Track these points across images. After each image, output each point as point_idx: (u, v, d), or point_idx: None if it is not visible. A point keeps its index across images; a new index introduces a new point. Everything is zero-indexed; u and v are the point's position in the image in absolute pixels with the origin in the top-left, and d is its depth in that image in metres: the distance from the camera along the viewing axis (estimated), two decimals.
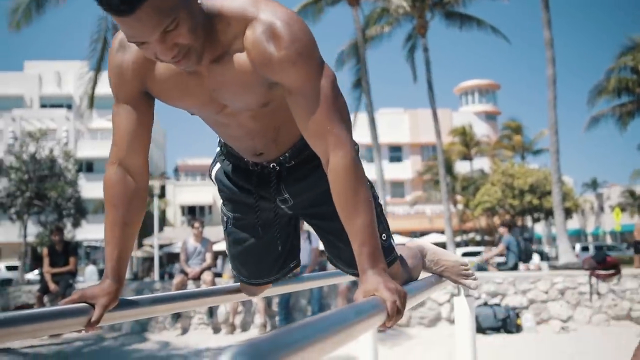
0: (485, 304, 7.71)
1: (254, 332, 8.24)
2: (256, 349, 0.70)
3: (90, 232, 35.84)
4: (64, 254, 8.77)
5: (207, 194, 43.71)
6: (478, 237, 39.46)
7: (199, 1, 1.30)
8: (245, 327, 8.45)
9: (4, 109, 40.83)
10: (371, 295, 1.28)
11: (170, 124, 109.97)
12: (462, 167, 39.08)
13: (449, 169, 35.22)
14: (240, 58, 1.37)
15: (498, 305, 7.69)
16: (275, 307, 8.37)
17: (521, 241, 9.82)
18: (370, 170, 19.51)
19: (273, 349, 0.74)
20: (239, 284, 1.97)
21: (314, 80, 1.36)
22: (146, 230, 36.46)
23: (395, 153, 43.44)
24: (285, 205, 1.75)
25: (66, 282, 8.57)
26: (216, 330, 8.43)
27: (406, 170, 42.81)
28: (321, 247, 11.87)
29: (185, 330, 8.54)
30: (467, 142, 38.88)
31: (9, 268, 30.79)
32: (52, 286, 8.47)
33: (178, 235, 34.81)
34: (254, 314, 8.49)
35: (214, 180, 1.84)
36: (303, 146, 1.58)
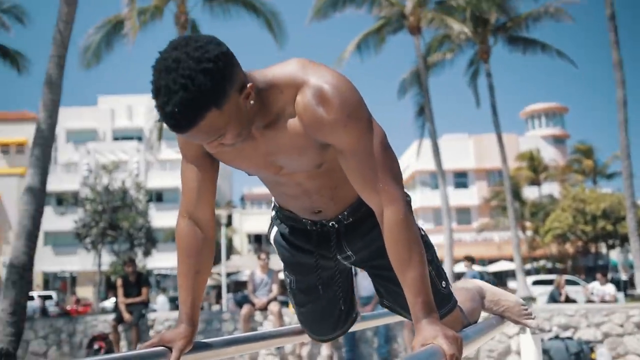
0: (557, 337, 7.50)
1: None
2: None
3: (161, 261, 36.76)
4: (137, 284, 9.06)
5: None
6: (549, 265, 38.27)
7: (253, 93, 1.36)
8: (312, 358, 8.49)
9: (80, 142, 42.73)
10: (429, 343, 1.33)
11: None
12: (530, 193, 38.17)
13: (517, 194, 34.45)
14: (293, 123, 1.44)
15: (570, 339, 7.46)
16: (341, 339, 8.37)
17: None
18: (434, 197, 19.36)
19: None
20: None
21: (364, 140, 1.43)
22: (215, 259, 37.09)
23: (461, 179, 42.86)
24: (347, 261, 1.82)
25: (139, 312, 8.84)
26: None
27: (472, 196, 42.14)
28: None
29: None
30: (535, 167, 38.01)
31: (44, 297, 30.94)
32: (126, 316, 8.76)
33: (245, 263, 35.32)
34: (320, 346, 8.51)
35: (273, 244, 1.91)
36: (361, 203, 1.61)
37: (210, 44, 1.27)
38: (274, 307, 8.28)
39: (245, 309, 8.43)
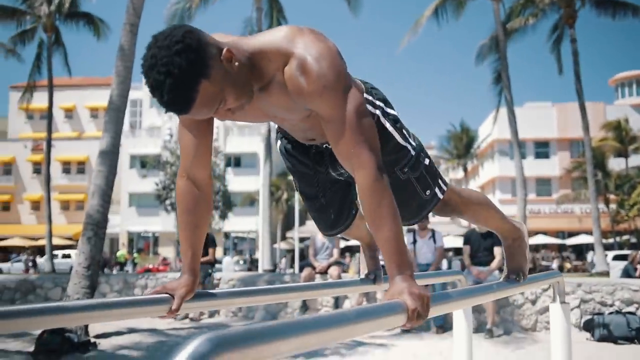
0: (618, 311, 7.31)
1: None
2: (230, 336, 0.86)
3: (237, 224, 37.75)
4: (204, 244, 9.43)
5: None
6: (633, 240, 36.72)
7: (235, 56, 1.49)
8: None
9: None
10: (395, 298, 1.41)
11: None
12: (616, 164, 36.52)
13: (601, 166, 33.11)
14: (282, 88, 1.60)
15: (633, 314, 7.26)
16: None
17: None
18: (513, 167, 18.61)
19: (251, 337, 0.90)
20: (358, 278, 2.37)
21: (339, 109, 1.55)
22: (289, 224, 37.80)
23: (542, 149, 41.47)
24: (342, 177, 2.05)
25: (206, 271, 9.23)
26: None
27: (554, 167, 40.75)
28: (445, 245, 11.72)
29: None
30: (622, 138, 36.25)
31: (64, 256, 32.21)
32: None
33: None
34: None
35: (279, 151, 2.15)
36: None
37: (174, 30, 1.41)
38: (333, 271, 8.45)
39: (306, 272, 8.65)
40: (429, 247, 8.35)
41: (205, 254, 9.37)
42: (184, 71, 1.36)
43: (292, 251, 35.16)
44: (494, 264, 7.83)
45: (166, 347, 7.46)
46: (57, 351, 6.58)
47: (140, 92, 46.57)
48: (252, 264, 31.73)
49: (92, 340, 7.18)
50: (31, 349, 6.68)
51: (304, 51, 1.54)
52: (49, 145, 23.43)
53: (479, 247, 8.05)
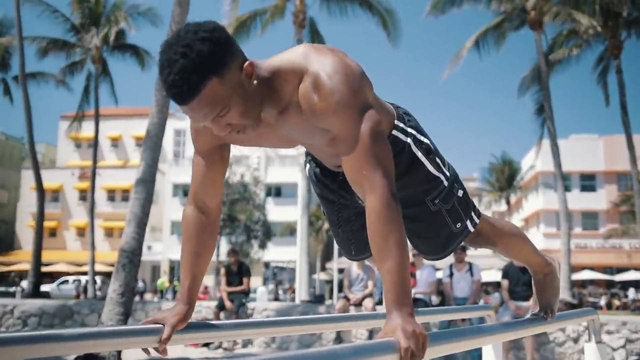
0: None
1: None
2: None
3: (276, 254, 37.80)
4: (239, 274, 9.44)
5: None
6: None
7: (255, 72, 1.44)
8: None
9: None
10: (389, 336, 1.31)
11: None
12: None
13: None
14: (298, 109, 1.52)
15: None
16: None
17: None
18: (555, 200, 18.13)
19: None
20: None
21: (353, 128, 1.45)
22: (328, 254, 37.67)
23: (588, 182, 40.50)
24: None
25: (240, 301, 9.21)
26: None
27: (600, 200, 39.71)
28: (485, 279, 11.59)
29: None
30: None
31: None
32: (227, 304, 9.15)
33: None
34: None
35: (307, 174, 2.08)
36: None
37: (208, 22, 1.38)
38: (368, 303, 8.33)
39: (340, 303, 8.54)
40: (466, 281, 8.16)
41: (240, 283, 9.36)
42: (201, 58, 1.31)
43: (331, 282, 34.95)
44: (532, 299, 7.59)
45: None
46: None
47: (184, 122, 47.50)
48: (293, 294, 31.62)
49: None
50: None
51: (319, 67, 1.47)
52: (94, 174, 23.99)
53: (518, 281, 7.82)
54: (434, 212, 1.89)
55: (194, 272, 1.72)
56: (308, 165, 2.03)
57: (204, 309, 9.81)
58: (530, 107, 23.83)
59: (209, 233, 1.75)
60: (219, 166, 1.73)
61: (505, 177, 40.30)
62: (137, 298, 29.38)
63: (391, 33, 19.78)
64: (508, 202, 41.16)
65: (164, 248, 42.51)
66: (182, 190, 42.24)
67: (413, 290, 8.53)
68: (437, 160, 1.87)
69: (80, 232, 44.92)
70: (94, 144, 24.13)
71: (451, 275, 8.18)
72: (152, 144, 8.18)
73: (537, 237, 39.07)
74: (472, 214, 1.98)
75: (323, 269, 39.01)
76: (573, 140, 39.70)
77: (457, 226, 1.93)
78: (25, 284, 23.35)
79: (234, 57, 1.39)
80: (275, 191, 41.79)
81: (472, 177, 56.69)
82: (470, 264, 8.19)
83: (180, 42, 1.32)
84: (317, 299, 25.02)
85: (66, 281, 32.80)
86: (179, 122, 48.18)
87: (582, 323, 3.80)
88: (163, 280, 35.66)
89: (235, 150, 41.66)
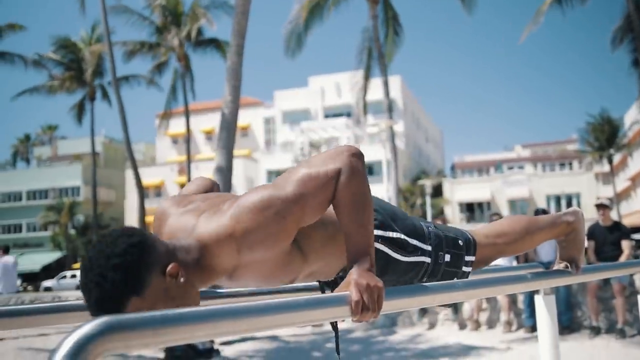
0: None
1: (499, 330, 8.13)
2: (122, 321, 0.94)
3: None
4: None
5: (484, 190, 43.19)
6: None
7: (182, 270, 1.39)
8: (491, 324, 8.38)
9: (294, 122, 45.55)
10: (343, 290, 1.37)
11: (446, 123, 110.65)
12: None
13: None
14: (251, 264, 1.49)
15: None
16: (520, 305, 8.15)
17: None
18: None
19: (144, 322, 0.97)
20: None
21: (301, 211, 1.47)
22: None
23: None
24: None
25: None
26: (462, 326, 8.51)
27: None
28: None
29: (432, 326, 8.77)
30: None
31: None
32: None
33: None
34: (499, 312, 8.37)
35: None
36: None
37: (121, 237, 1.35)
38: None
39: None
40: (550, 244, 7.94)
41: None
42: (115, 286, 1.29)
43: None
44: (623, 258, 7.32)
45: (285, 352, 7.70)
46: (183, 357, 7.02)
47: (273, 109, 48.38)
48: None
49: (216, 347, 7.58)
50: (162, 355, 7.19)
51: (238, 219, 1.43)
52: (189, 168, 25.06)
53: (605, 241, 7.57)
54: None
55: None
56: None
57: None
58: (626, 60, 22.50)
59: None
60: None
61: (606, 136, 38.29)
62: None
63: (466, 0, 19.28)
64: (610, 162, 39.15)
65: None
66: (275, 176, 43.18)
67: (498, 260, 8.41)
68: (414, 242, 1.81)
69: None
70: (187, 139, 25.14)
71: None
72: (226, 134, 8.49)
73: None
74: (466, 258, 1.91)
75: None
76: None
77: (446, 259, 1.88)
78: None
79: (153, 269, 1.35)
80: (368, 170, 41.81)
81: (570, 139, 54.33)
82: None
83: (94, 269, 1.31)
84: None
85: (64, 276, 34.59)
86: (268, 111, 49.17)
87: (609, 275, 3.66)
88: None
89: (324, 132, 42.05)
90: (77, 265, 41.12)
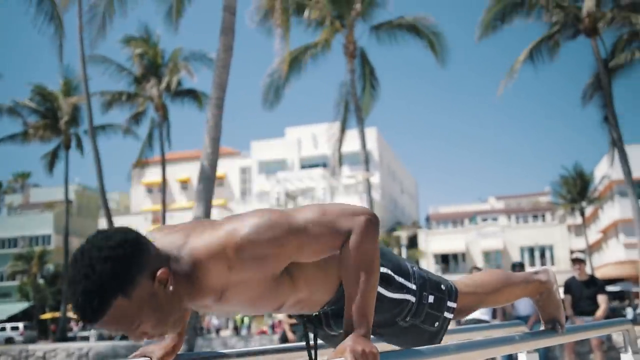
0: None
1: None
2: None
3: None
4: None
5: (459, 241, 43.38)
6: None
7: (171, 277, 1.37)
8: None
9: (270, 173, 45.66)
10: (338, 356, 1.37)
11: (421, 174, 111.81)
12: None
13: None
14: (240, 284, 1.45)
15: None
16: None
17: None
18: (626, 207, 17.68)
19: None
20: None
21: (297, 244, 1.46)
22: None
23: None
24: (339, 333, 1.81)
25: (302, 332, 9.28)
26: None
27: None
28: None
29: None
30: None
31: (13, 328, 34.53)
32: (290, 335, 9.24)
33: None
34: None
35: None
36: (339, 297, 1.65)
37: (116, 233, 1.34)
38: None
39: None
40: (527, 299, 7.99)
41: None
42: (103, 280, 1.26)
43: None
44: (599, 312, 7.36)
45: None
46: None
47: (249, 159, 48.50)
48: None
49: None
50: None
51: (234, 233, 1.41)
52: (164, 217, 24.86)
53: (581, 295, 7.61)
54: (408, 327, 1.83)
55: None
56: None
57: (267, 342, 9.95)
58: (596, 115, 23.14)
59: None
60: None
61: (578, 189, 39.01)
62: (212, 334, 29.96)
63: (439, 54, 19.84)
64: (582, 215, 39.78)
65: None
66: None
67: (474, 313, 8.41)
68: (399, 280, 1.79)
69: None
70: (163, 187, 25.03)
71: None
72: (206, 185, 8.49)
73: (618, 248, 37.52)
74: (448, 303, 1.90)
75: None
76: None
77: (435, 325, 1.86)
78: None
79: (143, 269, 1.32)
80: None
81: (543, 192, 55.16)
82: None
83: (84, 260, 1.28)
84: None
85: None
86: (244, 161, 49.27)
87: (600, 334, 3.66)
88: (240, 316, 36.09)
89: (300, 183, 42.14)
90: (45, 315, 40.10)
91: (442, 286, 1.91)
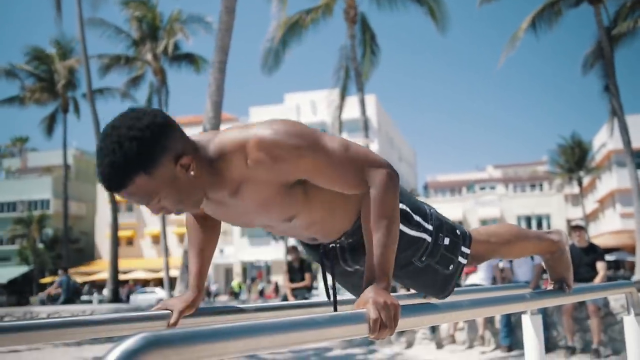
0: None
1: (477, 350, 8.17)
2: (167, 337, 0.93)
3: None
4: (300, 270, 9.62)
5: (457, 209, 43.58)
6: None
7: (195, 164, 1.47)
8: (468, 343, 8.42)
9: None
10: (361, 308, 1.40)
11: (419, 142, 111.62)
12: None
13: None
14: (254, 182, 1.53)
15: None
16: (497, 325, 8.21)
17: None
18: (623, 177, 17.84)
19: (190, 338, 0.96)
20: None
21: (319, 158, 1.51)
22: None
23: None
24: (356, 273, 1.90)
25: (302, 296, 9.39)
26: (439, 345, 8.53)
27: None
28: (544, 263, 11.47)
29: (410, 344, 8.77)
30: None
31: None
32: (291, 299, 9.35)
33: None
34: (476, 331, 8.42)
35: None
36: (357, 228, 1.71)
37: (146, 115, 1.41)
38: None
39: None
40: (527, 265, 8.06)
41: (302, 279, 9.54)
42: (128, 157, 1.35)
43: None
44: (597, 279, 7.44)
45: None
46: None
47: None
48: None
49: None
50: None
51: (257, 132, 1.49)
52: None
53: (581, 262, 7.66)
54: (423, 268, 1.88)
55: (201, 263, 1.86)
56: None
57: None
58: (596, 85, 23.06)
59: (212, 230, 1.90)
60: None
61: (576, 159, 39.03)
62: (211, 299, 30.20)
63: (439, 22, 19.65)
64: (580, 184, 39.88)
65: (235, 250, 43.42)
66: None
67: (473, 277, 8.49)
68: (417, 218, 1.83)
69: (155, 239, 46.47)
70: None
71: (511, 260, 8.08)
72: None
73: (614, 218, 37.71)
74: (462, 248, 1.95)
75: None
76: None
77: (450, 268, 1.91)
78: (105, 291, 24.37)
79: (168, 151, 1.41)
80: None
81: (541, 161, 55.23)
82: None
83: (113, 136, 1.37)
84: None
85: (144, 292, 34.24)
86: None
87: (605, 295, 3.71)
88: (237, 282, 36.43)
89: None
90: (45, 280, 40.36)
91: (457, 231, 1.97)
